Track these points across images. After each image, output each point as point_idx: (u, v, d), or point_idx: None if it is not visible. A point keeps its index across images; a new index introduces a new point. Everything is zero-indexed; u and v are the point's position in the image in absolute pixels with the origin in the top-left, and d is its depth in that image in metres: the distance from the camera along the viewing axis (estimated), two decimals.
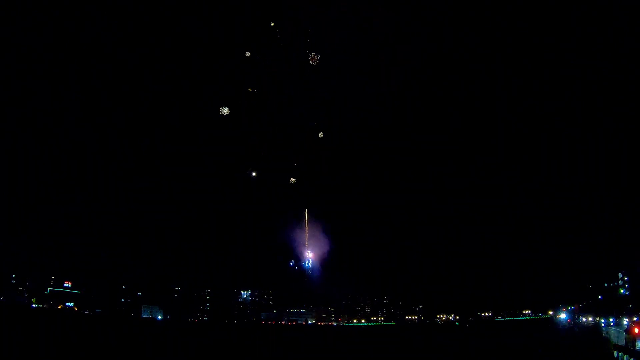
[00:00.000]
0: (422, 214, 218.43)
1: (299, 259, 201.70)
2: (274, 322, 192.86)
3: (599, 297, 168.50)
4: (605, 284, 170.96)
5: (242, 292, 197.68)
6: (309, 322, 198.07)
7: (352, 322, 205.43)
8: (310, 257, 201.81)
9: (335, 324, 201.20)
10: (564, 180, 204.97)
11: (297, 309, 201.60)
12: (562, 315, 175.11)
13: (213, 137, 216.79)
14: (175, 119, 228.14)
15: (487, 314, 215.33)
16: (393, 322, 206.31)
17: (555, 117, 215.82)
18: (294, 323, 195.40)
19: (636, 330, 67.36)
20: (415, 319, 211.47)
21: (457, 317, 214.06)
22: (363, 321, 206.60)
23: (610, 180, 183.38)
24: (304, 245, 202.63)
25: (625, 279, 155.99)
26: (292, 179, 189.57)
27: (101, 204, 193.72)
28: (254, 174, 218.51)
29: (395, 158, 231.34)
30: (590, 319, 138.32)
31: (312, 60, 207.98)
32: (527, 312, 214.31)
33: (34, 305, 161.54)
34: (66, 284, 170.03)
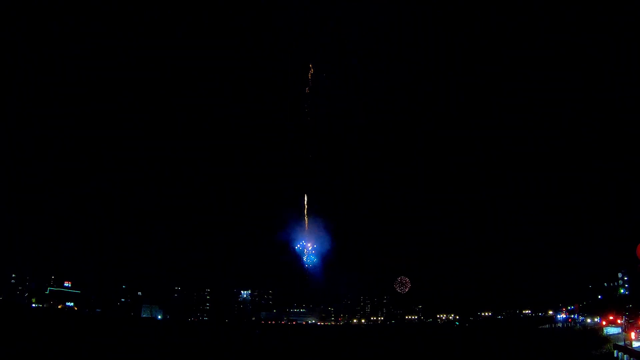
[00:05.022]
0: (423, 214, 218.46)
1: (299, 254, 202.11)
2: (274, 322, 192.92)
3: (599, 297, 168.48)
4: (605, 284, 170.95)
5: (242, 292, 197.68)
6: (311, 321, 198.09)
7: (352, 322, 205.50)
8: (309, 248, 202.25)
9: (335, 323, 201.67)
10: (564, 181, 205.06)
11: (297, 309, 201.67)
12: (561, 315, 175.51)
13: (212, 139, 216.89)
14: (175, 121, 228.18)
15: (487, 314, 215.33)
16: (393, 322, 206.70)
17: (557, 117, 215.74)
18: (294, 323, 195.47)
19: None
20: (415, 318, 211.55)
21: (457, 317, 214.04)
22: (363, 321, 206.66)
23: (609, 181, 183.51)
24: (305, 241, 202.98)
25: (625, 278, 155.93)
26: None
27: (101, 205, 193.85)
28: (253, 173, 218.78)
29: (395, 158, 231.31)
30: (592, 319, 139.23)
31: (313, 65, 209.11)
32: (527, 312, 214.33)
33: (34, 305, 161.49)
34: (66, 284, 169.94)
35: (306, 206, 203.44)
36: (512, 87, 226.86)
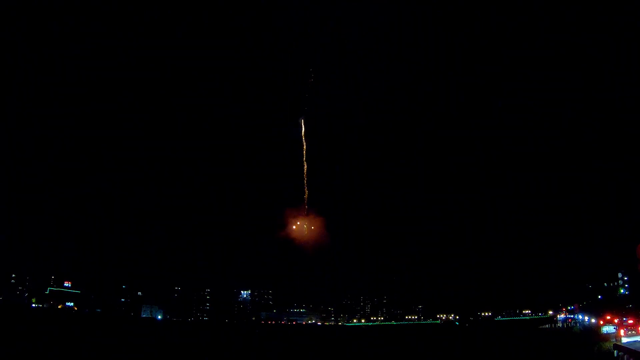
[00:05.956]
0: (423, 214, 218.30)
1: (299, 254, 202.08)
2: (274, 322, 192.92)
3: (599, 297, 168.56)
4: (605, 284, 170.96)
5: (242, 292, 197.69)
6: (310, 321, 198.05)
7: (352, 322, 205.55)
8: (309, 247, 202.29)
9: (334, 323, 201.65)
10: (564, 181, 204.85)
11: (297, 309, 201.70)
12: (561, 315, 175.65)
13: (212, 139, 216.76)
14: (175, 121, 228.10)
15: (487, 314, 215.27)
16: (393, 322, 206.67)
17: (557, 117, 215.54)
18: (294, 323, 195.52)
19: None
20: (415, 318, 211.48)
21: (457, 317, 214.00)
22: (363, 321, 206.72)
23: (609, 181, 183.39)
24: (304, 241, 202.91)
25: (625, 278, 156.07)
26: None
27: (101, 205, 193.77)
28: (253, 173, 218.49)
29: (395, 158, 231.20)
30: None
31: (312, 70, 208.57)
32: (527, 312, 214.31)
33: (34, 305, 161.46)
34: (66, 284, 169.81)
35: (306, 206, 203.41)
36: (512, 87, 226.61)
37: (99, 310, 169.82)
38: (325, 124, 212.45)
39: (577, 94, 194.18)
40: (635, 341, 61.14)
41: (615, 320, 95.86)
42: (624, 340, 63.40)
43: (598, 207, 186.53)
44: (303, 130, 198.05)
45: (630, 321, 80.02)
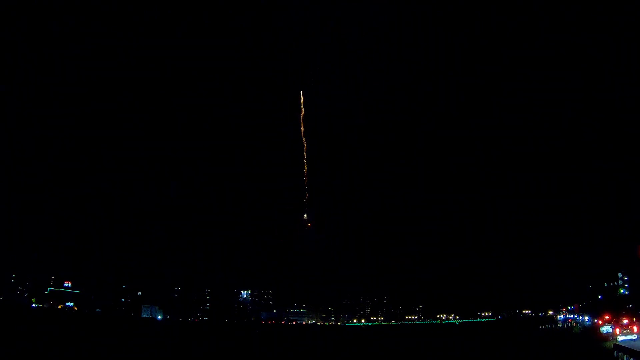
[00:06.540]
0: (423, 214, 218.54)
1: (299, 253, 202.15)
2: (274, 322, 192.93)
3: (599, 297, 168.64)
4: (605, 284, 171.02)
5: (242, 292, 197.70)
6: (310, 322, 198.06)
7: (352, 322, 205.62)
8: (309, 247, 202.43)
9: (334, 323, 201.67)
10: (564, 181, 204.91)
11: (297, 309, 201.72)
12: (561, 315, 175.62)
13: (212, 139, 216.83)
14: (175, 121, 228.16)
15: (487, 314, 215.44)
16: (393, 322, 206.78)
17: (557, 117, 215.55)
18: (294, 323, 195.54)
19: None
20: (415, 319, 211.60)
21: (457, 317, 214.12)
22: (363, 321, 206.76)
23: (609, 181, 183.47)
24: (305, 240, 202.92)
25: (625, 278, 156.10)
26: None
27: (101, 205, 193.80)
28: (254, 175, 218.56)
29: (395, 158, 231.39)
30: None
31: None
32: (527, 312, 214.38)
33: (34, 305, 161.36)
34: (66, 284, 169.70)
35: (306, 205, 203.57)
36: (512, 87, 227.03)
37: (99, 310, 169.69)
38: (325, 124, 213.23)
39: (577, 94, 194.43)
40: (629, 339, 63.23)
41: (614, 320, 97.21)
42: (620, 338, 65.85)
43: (598, 207, 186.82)
44: (303, 129, 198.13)
45: (625, 321, 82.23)
